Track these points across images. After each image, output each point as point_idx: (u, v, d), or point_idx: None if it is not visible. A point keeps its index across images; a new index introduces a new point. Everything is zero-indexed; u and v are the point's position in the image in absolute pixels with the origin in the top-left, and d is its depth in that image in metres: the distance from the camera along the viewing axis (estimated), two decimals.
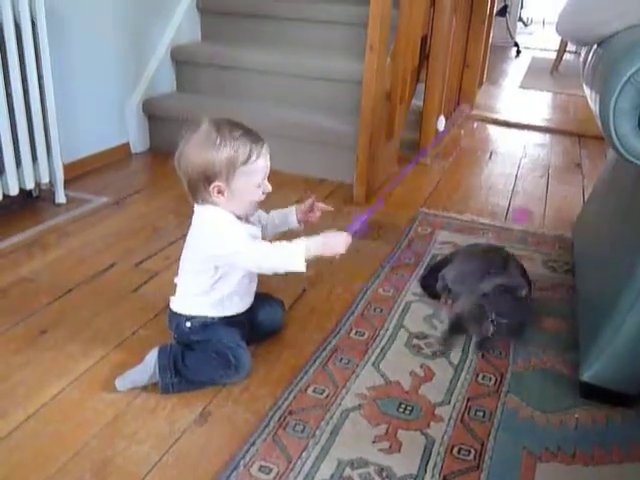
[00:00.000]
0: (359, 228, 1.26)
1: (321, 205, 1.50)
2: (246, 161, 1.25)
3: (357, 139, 2.32)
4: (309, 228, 1.41)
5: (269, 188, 1.33)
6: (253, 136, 1.28)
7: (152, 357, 1.32)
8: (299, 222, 1.50)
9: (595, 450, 1.21)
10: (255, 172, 1.28)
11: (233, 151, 1.24)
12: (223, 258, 1.31)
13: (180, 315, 1.38)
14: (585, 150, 3.27)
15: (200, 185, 1.27)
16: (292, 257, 1.28)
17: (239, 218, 1.33)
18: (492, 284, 1.50)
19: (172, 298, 1.41)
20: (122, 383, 1.31)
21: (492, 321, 1.47)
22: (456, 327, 1.55)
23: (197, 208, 1.34)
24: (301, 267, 1.28)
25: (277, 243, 1.30)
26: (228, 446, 1.17)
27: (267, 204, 1.37)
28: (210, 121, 1.27)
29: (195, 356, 1.34)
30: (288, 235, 1.40)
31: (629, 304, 1.23)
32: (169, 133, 2.75)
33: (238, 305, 1.41)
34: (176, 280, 1.42)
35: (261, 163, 1.29)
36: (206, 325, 1.37)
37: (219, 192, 1.27)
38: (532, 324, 1.58)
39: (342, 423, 1.24)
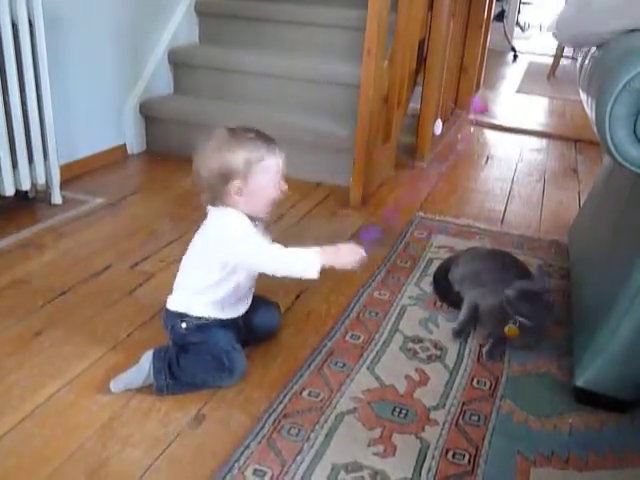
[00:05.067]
0: (372, 237, 1.30)
1: None
2: (262, 158, 1.30)
3: (354, 142, 2.32)
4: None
5: (285, 186, 1.36)
6: (266, 137, 1.34)
7: (147, 359, 1.32)
8: None
9: (589, 455, 1.21)
10: (271, 169, 1.32)
11: (248, 150, 1.29)
12: (237, 258, 1.33)
13: (176, 314, 1.38)
14: (581, 155, 3.28)
15: (219, 187, 1.30)
16: (308, 265, 1.30)
17: (254, 223, 1.35)
18: (517, 289, 1.48)
19: (170, 297, 1.41)
20: (117, 385, 1.31)
21: (515, 322, 1.48)
22: (472, 318, 1.57)
23: (212, 210, 1.35)
24: (314, 275, 1.30)
25: (292, 249, 1.31)
26: (222, 449, 1.17)
27: None
28: (223, 127, 1.33)
29: (190, 358, 1.34)
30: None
31: (624, 309, 1.24)
32: (166, 135, 2.80)
33: (236, 309, 1.42)
34: (176, 279, 1.42)
35: (276, 160, 1.33)
36: (201, 326, 1.37)
37: (237, 192, 1.30)
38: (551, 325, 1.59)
39: (337, 427, 1.24)
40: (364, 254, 1.34)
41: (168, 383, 1.30)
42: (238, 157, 1.28)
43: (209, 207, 1.36)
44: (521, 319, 1.47)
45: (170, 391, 1.30)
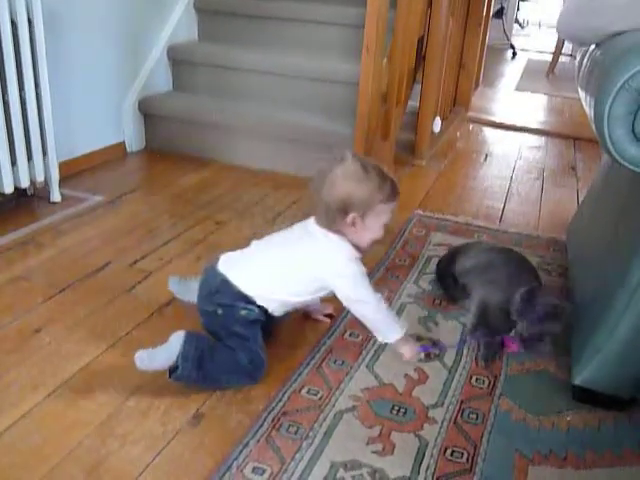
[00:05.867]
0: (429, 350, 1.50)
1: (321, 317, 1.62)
2: (384, 200, 1.34)
3: (353, 140, 2.32)
4: None
5: (388, 227, 1.41)
6: (392, 178, 1.37)
7: (177, 341, 1.29)
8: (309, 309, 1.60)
9: (587, 453, 1.21)
10: (387, 212, 1.37)
11: (377, 189, 1.32)
12: (343, 290, 1.38)
13: (242, 296, 1.35)
14: (580, 153, 3.28)
15: (337, 214, 1.34)
16: (392, 331, 1.40)
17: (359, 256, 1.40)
18: (534, 303, 1.46)
19: (238, 274, 1.37)
20: (142, 362, 1.28)
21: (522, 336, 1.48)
22: (483, 316, 1.55)
23: (323, 231, 1.38)
24: (388, 341, 1.41)
25: (389, 309, 1.42)
26: (221, 447, 1.17)
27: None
28: (354, 157, 1.35)
29: (226, 355, 1.32)
30: None
31: (622, 307, 1.24)
32: (165, 132, 2.80)
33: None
34: (245, 260, 1.42)
35: (393, 205, 1.38)
36: (255, 322, 1.37)
37: (353, 224, 1.33)
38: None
39: (336, 425, 1.24)
40: (414, 358, 1.44)
41: (191, 374, 1.28)
42: (364, 191, 1.31)
43: (315, 223, 1.39)
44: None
45: (190, 382, 1.29)
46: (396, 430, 1.24)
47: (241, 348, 1.34)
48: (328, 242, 1.38)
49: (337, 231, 1.37)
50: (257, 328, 1.38)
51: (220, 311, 1.37)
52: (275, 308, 1.40)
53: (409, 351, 1.42)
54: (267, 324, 1.47)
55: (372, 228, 1.37)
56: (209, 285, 1.41)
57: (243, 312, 1.36)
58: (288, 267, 1.40)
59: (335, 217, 1.34)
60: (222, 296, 1.38)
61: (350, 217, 1.33)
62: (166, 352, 1.29)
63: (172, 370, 1.29)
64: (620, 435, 1.27)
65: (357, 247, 1.39)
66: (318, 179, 1.36)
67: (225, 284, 1.37)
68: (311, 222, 1.41)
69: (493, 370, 1.44)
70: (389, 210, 1.38)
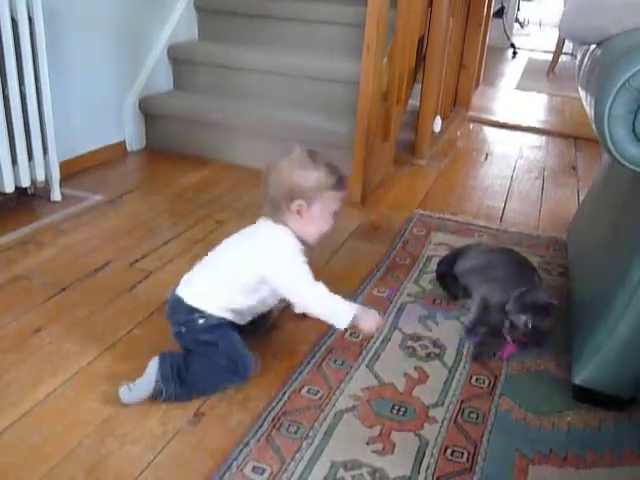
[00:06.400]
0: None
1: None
2: (332, 187, 1.34)
3: (353, 140, 2.32)
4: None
5: (336, 222, 1.40)
6: (339, 169, 1.38)
7: (154, 367, 1.28)
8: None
9: (587, 453, 1.21)
10: (335, 201, 1.37)
11: (324, 176, 1.33)
12: (278, 279, 1.35)
13: (194, 309, 1.34)
14: (580, 152, 3.28)
15: (283, 203, 1.33)
16: (341, 314, 1.36)
17: (302, 247, 1.37)
18: (525, 302, 1.46)
19: (188, 291, 1.37)
20: (124, 396, 1.26)
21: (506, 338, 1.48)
22: (483, 316, 1.55)
23: (266, 223, 1.38)
24: (342, 326, 1.37)
25: (332, 294, 1.35)
26: (221, 447, 1.17)
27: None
28: (301, 148, 1.36)
29: (201, 362, 1.32)
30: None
31: (622, 307, 1.24)
32: (165, 132, 2.80)
33: (247, 319, 1.43)
34: (195, 274, 1.40)
35: (342, 194, 1.38)
36: (218, 326, 1.35)
37: (298, 211, 1.33)
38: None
39: (336, 424, 1.24)
40: (383, 324, 1.46)
41: (177, 392, 1.27)
42: (311, 178, 1.32)
43: (262, 218, 1.40)
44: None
45: (178, 399, 1.27)
46: (396, 429, 1.24)
47: (213, 353, 1.33)
48: (268, 231, 1.37)
49: (280, 221, 1.36)
50: (226, 329, 1.36)
51: (183, 329, 1.37)
52: (231, 317, 1.37)
53: (366, 325, 1.38)
54: (260, 323, 1.49)
55: (320, 217, 1.36)
56: (170, 308, 1.41)
57: (201, 321, 1.34)
58: (230, 267, 1.38)
59: (280, 205, 1.34)
60: (180, 315, 1.37)
61: (295, 204, 1.32)
62: (145, 382, 1.27)
63: (160, 393, 1.27)
64: (620, 435, 1.27)
65: (304, 241, 1.38)
66: (266, 172, 1.36)
67: (180, 303, 1.37)
68: (260, 220, 1.42)
69: (493, 370, 1.44)
70: (337, 199, 1.37)
